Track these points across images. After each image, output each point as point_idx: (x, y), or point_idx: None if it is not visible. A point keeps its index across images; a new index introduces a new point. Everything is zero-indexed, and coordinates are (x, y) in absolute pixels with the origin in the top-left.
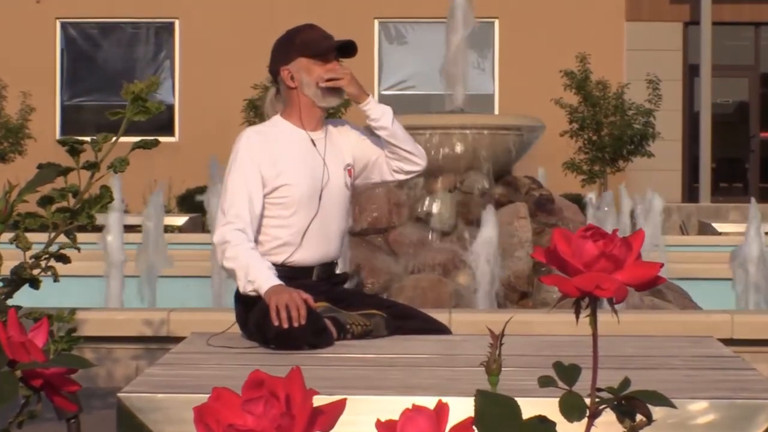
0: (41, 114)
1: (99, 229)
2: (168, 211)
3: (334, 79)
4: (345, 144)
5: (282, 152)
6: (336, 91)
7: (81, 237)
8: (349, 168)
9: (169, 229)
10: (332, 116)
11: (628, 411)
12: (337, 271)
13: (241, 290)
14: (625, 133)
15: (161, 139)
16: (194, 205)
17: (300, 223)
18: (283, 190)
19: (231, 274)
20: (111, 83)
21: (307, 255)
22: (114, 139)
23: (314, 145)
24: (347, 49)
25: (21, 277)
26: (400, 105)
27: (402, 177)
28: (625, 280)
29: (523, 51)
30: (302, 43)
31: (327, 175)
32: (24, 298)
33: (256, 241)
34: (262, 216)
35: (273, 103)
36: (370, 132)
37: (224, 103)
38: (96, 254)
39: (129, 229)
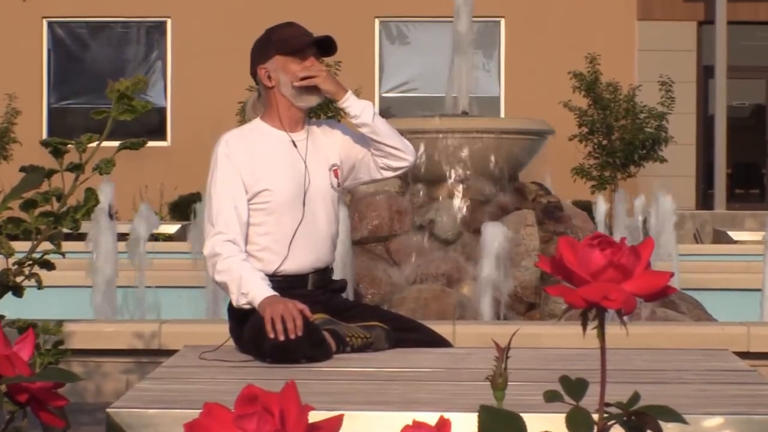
0: (27, 117)
1: (84, 236)
2: (160, 219)
3: (309, 77)
4: (330, 144)
5: (261, 156)
6: (314, 90)
7: (67, 245)
8: (335, 168)
9: (160, 237)
10: (332, 119)
11: (638, 427)
12: (334, 278)
13: (235, 304)
14: (636, 138)
15: (152, 143)
16: (187, 213)
17: (286, 229)
18: (264, 195)
19: (223, 287)
20: (100, 85)
21: (298, 262)
22: (99, 140)
23: (295, 146)
24: (327, 46)
25: (4, 285)
26: (402, 107)
27: (390, 174)
28: (634, 290)
29: (530, 52)
30: (279, 40)
31: (308, 178)
32: (9, 308)
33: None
34: (248, 224)
35: (255, 106)
36: (356, 131)
37: (218, 106)
38: (84, 263)
39: (118, 237)
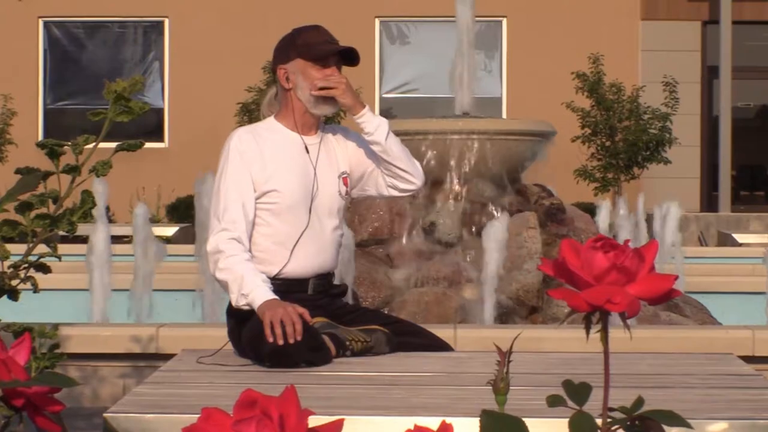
0: (23, 118)
1: (82, 239)
2: (157, 221)
3: (327, 87)
4: (341, 151)
5: (273, 155)
6: (330, 99)
7: (63, 248)
8: (344, 176)
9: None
10: (330, 120)
11: None
12: (335, 282)
13: (234, 303)
14: (640, 139)
15: (150, 144)
16: (184, 215)
17: (291, 232)
18: (271, 196)
19: (223, 285)
20: (96, 86)
21: (300, 266)
22: (95, 141)
23: (307, 151)
24: (350, 56)
25: None
26: (402, 109)
27: (396, 193)
28: (638, 293)
29: (533, 52)
30: (303, 44)
31: (317, 184)
32: (3, 312)
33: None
34: (254, 223)
35: (271, 103)
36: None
37: (216, 107)
38: (80, 266)
39: (115, 239)
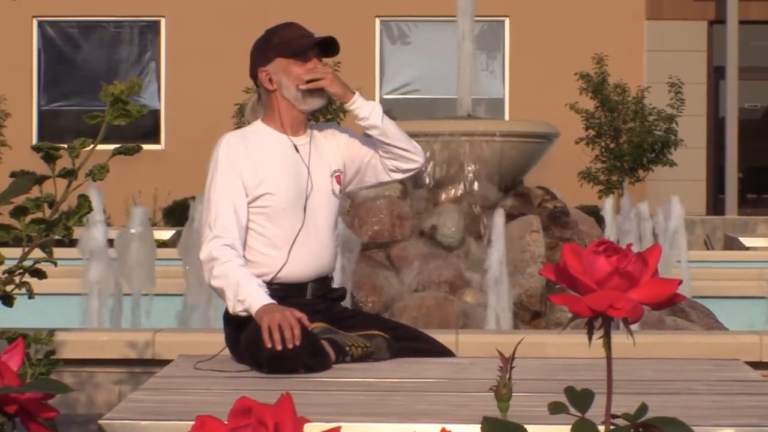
0: (17, 120)
1: (77, 242)
2: (153, 224)
3: (315, 79)
4: (332, 149)
5: (263, 158)
6: (318, 92)
7: (59, 252)
8: (337, 174)
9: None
10: (331, 121)
11: None
12: (333, 286)
13: (231, 310)
14: (645, 141)
15: (146, 146)
16: (181, 218)
17: (286, 235)
18: (265, 199)
19: (219, 293)
20: (92, 87)
21: (297, 270)
22: (92, 144)
23: (297, 151)
24: (329, 47)
25: None
26: (403, 110)
27: (399, 176)
28: (641, 298)
29: (536, 52)
30: (280, 42)
31: (311, 183)
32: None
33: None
34: (247, 228)
35: (254, 108)
36: (358, 134)
37: (214, 108)
38: (76, 270)
39: (111, 243)
